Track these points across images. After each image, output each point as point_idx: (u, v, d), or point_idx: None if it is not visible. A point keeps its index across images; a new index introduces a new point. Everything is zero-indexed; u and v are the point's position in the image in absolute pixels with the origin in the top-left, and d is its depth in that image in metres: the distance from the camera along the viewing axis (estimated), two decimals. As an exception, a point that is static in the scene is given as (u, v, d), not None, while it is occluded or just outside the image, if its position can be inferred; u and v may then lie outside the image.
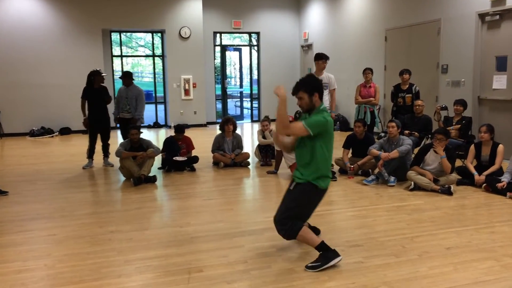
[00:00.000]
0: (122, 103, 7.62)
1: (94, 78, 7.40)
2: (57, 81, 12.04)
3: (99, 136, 7.55)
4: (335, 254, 3.48)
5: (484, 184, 5.72)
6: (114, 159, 7.41)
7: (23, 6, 11.66)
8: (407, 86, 7.87)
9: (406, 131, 7.14)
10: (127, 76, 7.67)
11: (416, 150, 6.50)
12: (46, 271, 3.49)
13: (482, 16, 7.83)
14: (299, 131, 3.45)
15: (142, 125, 7.64)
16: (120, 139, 7.70)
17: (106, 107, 7.55)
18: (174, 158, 7.08)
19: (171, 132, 7.49)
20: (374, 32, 10.84)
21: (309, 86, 3.51)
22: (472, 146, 6.13)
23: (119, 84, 7.82)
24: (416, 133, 7.22)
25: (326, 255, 3.46)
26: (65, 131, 12.12)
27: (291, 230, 3.43)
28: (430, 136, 7.12)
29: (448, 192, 5.55)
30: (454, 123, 7.14)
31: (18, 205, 5.41)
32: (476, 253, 3.74)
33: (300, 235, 3.43)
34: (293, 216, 3.45)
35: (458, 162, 6.51)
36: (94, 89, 7.43)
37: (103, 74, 7.54)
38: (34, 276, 3.39)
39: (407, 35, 9.72)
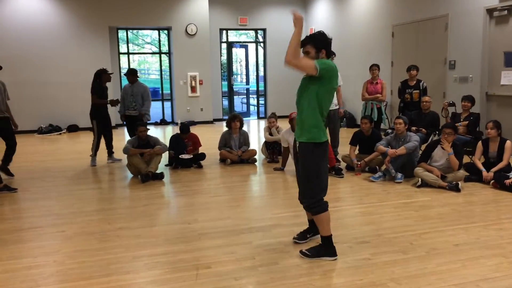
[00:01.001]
0: (128, 100, 7.65)
1: (102, 76, 7.44)
2: (65, 79, 12.11)
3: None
4: (330, 254, 3.57)
5: (492, 181, 5.69)
6: (120, 156, 7.45)
7: (30, 4, 11.72)
8: (415, 82, 7.84)
9: (413, 128, 7.12)
10: (132, 73, 7.70)
11: (423, 147, 6.48)
12: (56, 267, 3.52)
13: (490, 11, 7.78)
14: (307, 65, 3.31)
15: (148, 122, 7.67)
16: (127, 137, 7.73)
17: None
18: (179, 156, 7.10)
19: (178, 129, 7.51)
20: (381, 28, 10.79)
21: (318, 42, 3.47)
22: (480, 143, 6.10)
23: (126, 81, 7.85)
24: (423, 130, 7.19)
25: (327, 249, 3.56)
26: (73, 129, 12.21)
27: (321, 207, 3.51)
28: (437, 132, 7.09)
29: (456, 188, 5.53)
30: (461, 120, 7.11)
31: (27, 202, 5.46)
32: (484, 249, 3.72)
33: (322, 216, 3.51)
34: (318, 188, 3.50)
35: (466, 159, 6.48)
36: (102, 87, 7.48)
37: (109, 73, 7.57)
38: (44, 272, 3.43)
39: (414, 31, 9.67)
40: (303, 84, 3.53)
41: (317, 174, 3.47)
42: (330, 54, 3.58)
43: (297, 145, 3.58)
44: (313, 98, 3.42)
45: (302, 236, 3.94)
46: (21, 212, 5.03)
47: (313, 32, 4.01)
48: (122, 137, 9.71)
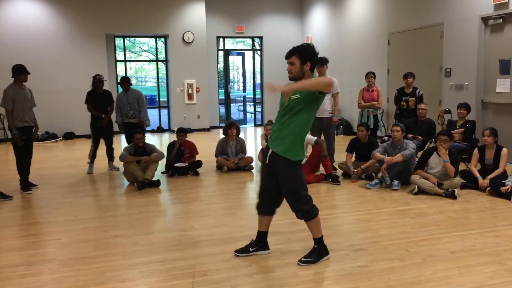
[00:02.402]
0: (125, 108, 7.65)
1: (95, 84, 7.47)
2: (61, 86, 12.10)
3: (101, 140, 7.63)
4: (326, 252, 3.67)
5: (488, 188, 5.70)
6: (118, 163, 7.44)
7: (27, 12, 11.73)
8: (411, 89, 7.87)
9: (410, 135, 7.14)
10: (125, 81, 7.70)
11: (419, 154, 6.50)
12: (51, 275, 3.50)
13: (485, 19, 7.83)
14: (327, 81, 3.34)
15: (146, 129, 7.69)
16: (124, 144, 7.73)
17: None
18: (175, 165, 7.09)
19: (175, 137, 7.51)
20: (377, 35, 10.85)
21: (304, 53, 3.44)
22: (476, 150, 6.12)
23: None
24: (419, 137, 7.21)
25: (320, 251, 3.63)
26: (69, 136, 12.18)
27: (316, 210, 3.57)
28: (433, 139, 7.12)
29: (452, 195, 5.54)
30: (457, 127, 7.13)
31: (22, 209, 5.44)
32: (481, 257, 3.73)
33: (316, 220, 3.58)
34: (306, 197, 3.53)
35: (462, 166, 6.50)
36: (98, 94, 7.48)
37: (102, 80, 7.53)
38: (39, 281, 3.40)
39: (410, 38, 9.73)
40: (291, 106, 3.45)
41: (303, 183, 3.55)
42: (314, 69, 3.57)
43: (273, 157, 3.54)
44: (303, 122, 3.42)
45: (244, 250, 3.81)
46: (16, 220, 5.01)
47: (309, 40, 4.02)
48: (119, 145, 9.69)
